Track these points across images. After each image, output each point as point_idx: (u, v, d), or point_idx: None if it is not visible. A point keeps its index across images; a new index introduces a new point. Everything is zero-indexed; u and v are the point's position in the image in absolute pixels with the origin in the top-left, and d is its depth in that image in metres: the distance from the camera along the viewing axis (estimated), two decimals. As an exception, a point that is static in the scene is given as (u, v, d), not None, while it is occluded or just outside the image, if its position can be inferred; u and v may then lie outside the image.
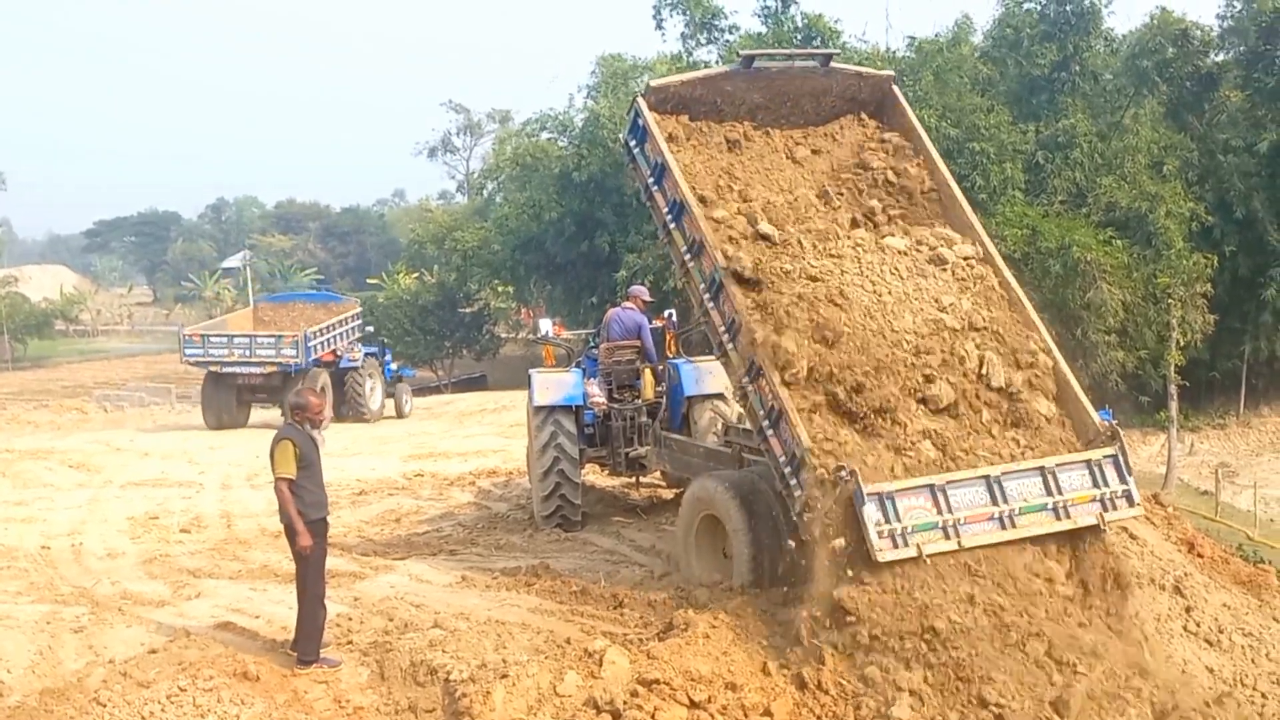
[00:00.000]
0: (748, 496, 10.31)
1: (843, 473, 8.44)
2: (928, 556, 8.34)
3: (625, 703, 7.54)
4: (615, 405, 14.49)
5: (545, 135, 48.32)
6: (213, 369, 28.40)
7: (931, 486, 8.59)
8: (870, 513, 8.30)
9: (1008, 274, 10.50)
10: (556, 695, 7.87)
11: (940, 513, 8.53)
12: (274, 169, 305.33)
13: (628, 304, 15.18)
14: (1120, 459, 9.14)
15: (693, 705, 7.62)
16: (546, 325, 16.12)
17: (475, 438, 25.03)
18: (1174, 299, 31.49)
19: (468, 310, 57.71)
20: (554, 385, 14.15)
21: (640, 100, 10.76)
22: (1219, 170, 35.32)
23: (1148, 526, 11.21)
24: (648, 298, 15.50)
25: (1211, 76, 36.68)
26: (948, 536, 8.50)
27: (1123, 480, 9.11)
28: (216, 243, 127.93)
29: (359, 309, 32.61)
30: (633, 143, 11.06)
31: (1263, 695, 8.73)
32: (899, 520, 8.38)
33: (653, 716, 7.43)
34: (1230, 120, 36.82)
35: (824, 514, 8.52)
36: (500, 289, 55.44)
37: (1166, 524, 11.66)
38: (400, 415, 31.86)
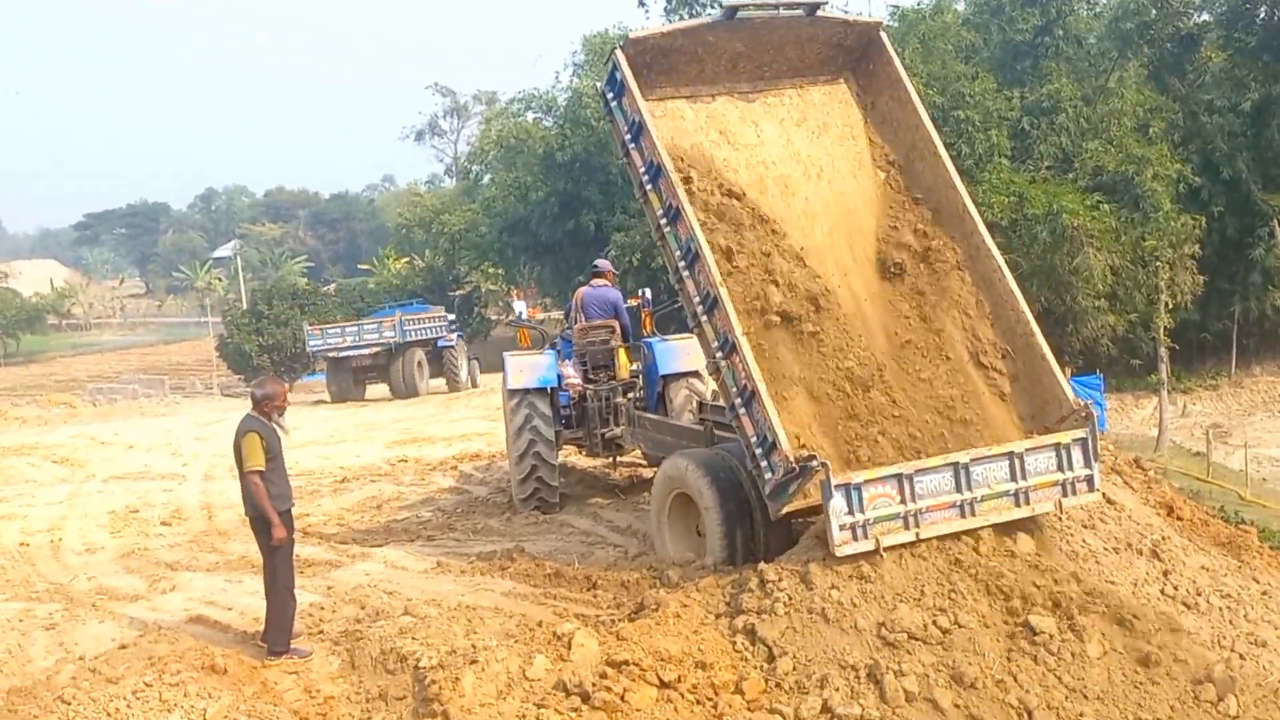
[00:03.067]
0: (718, 474, 10.16)
1: (814, 463, 8.39)
2: (884, 549, 8.31)
3: (594, 685, 7.46)
4: (591, 386, 14.39)
5: (530, 115, 48.21)
6: (331, 355, 35.23)
7: (900, 475, 8.51)
8: (836, 505, 8.27)
9: (995, 262, 10.17)
10: (526, 679, 7.77)
11: (905, 501, 8.47)
12: (263, 157, 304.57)
13: (598, 280, 14.99)
14: (1089, 441, 9.05)
15: (663, 685, 7.54)
16: (521, 307, 16.12)
17: (461, 421, 24.94)
18: (1162, 261, 31.38)
19: (457, 293, 57.63)
20: (528, 368, 14.03)
21: (619, 53, 10.29)
22: (1203, 131, 35.20)
23: (1126, 491, 11.13)
24: (614, 270, 15.36)
25: (1193, 37, 36.53)
26: (907, 527, 8.49)
27: (1087, 465, 9.05)
28: (207, 233, 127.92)
29: (444, 312, 39.69)
30: (610, 95, 10.65)
31: (1240, 656, 8.63)
32: (862, 512, 8.32)
33: (622, 698, 7.35)
34: (1214, 80, 36.65)
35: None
36: (490, 271, 55.36)
37: (1146, 488, 11.58)
38: (474, 385, 37.08)
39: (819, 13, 10.72)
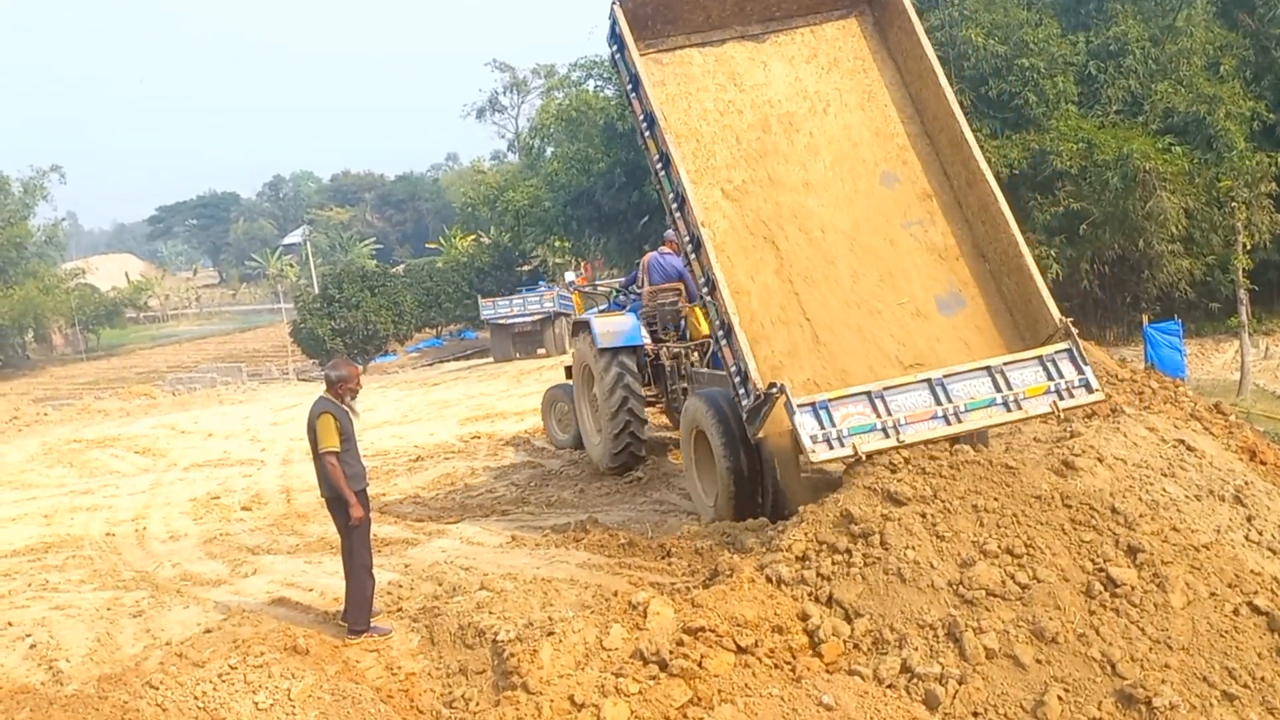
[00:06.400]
0: (720, 407, 11.03)
1: (774, 388, 9.07)
2: (864, 454, 8.92)
3: (671, 652, 7.43)
4: (663, 345, 14.71)
5: (591, 84, 48.15)
6: (499, 323, 42.32)
7: (869, 394, 9.12)
8: (803, 421, 8.97)
9: (990, 187, 10.39)
10: (603, 649, 7.77)
11: (879, 416, 9.07)
12: (328, 142, 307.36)
13: (665, 249, 15.28)
14: (1074, 352, 9.38)
15: (740, 650, 7.50)
16: (571, 275, 17.36)
17: (532, 396, 24.96)
18: (1238, 202, 30.55)
19: (524, 269, 57.79)
20: (614, 327, 14.45)
21: (615, 7, 10.69)
22: (1275, 67, 34.25)
23: (1206, 437, 10.92)
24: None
25: (1261, -30, 35.45)
26: (887, 435, 9.04)
27: (1079, 370, 9.35)
28: (276, 220, 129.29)
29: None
30: (614, 48, 11.09)
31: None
32: (834, 425, 9.00)
33: (700, 664, 7.32)
34: (1285, 13, 35.61)
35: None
36: (557, 244, 55.41)
37: (1227, 433, 11.35)
38: None
39: None
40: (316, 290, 58.52)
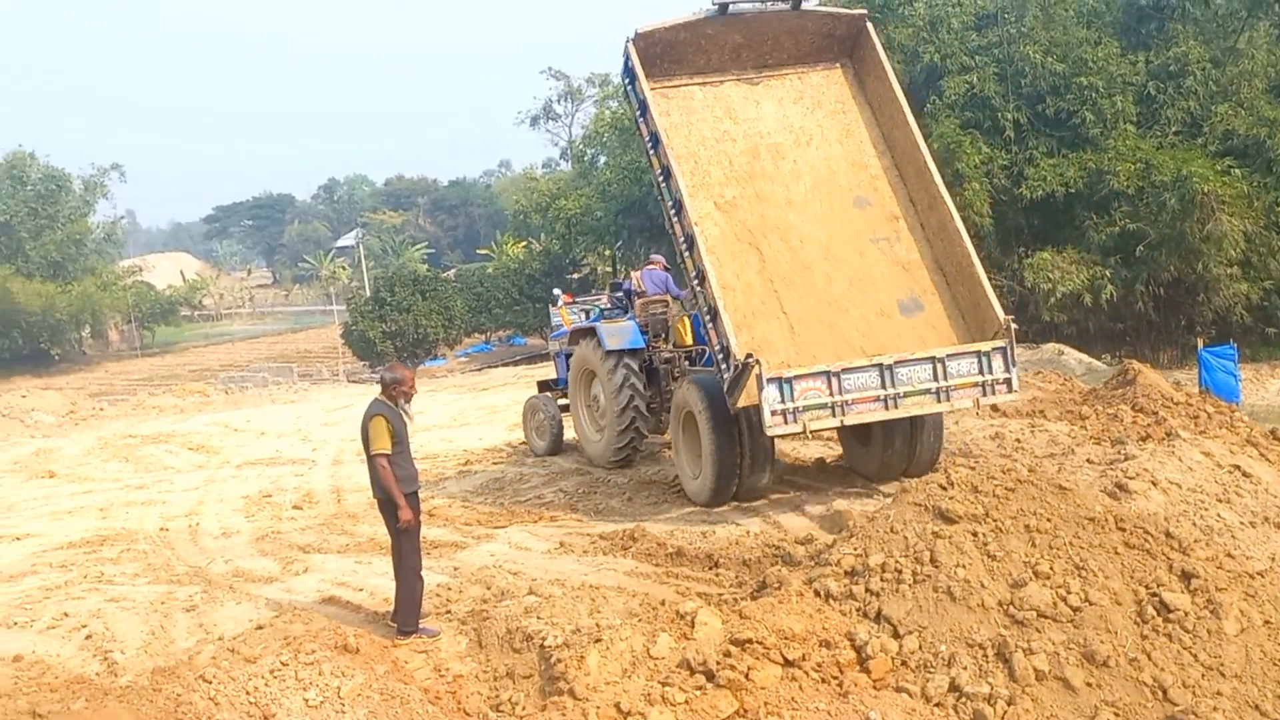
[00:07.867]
0: (708, 389, 12.27)
1: (750, 359, 10.53)
2: (810, 431, 10.83)
3: (718, 663, 7.46)
4: (657, 351, 15.52)
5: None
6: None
7: (828, 373, 10.73)
8: (769, 394, 10.55)
9: (948, 207, 12.15)
10: (650, 658, 7.80)
11: (832, 394, 10.71)
12: (382, 146, 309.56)
13: (650, 265, 16.65)
14: (1008, 350, 11.02)
15: (787, 664, 7.51)
16: (558, 292, 19.69)
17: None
18: (1297, 227, 30.24)
19: (574, 276, 57.92)
20: (619, 332, 15.31)
21: (630, 45, 12.39)
22: (1338, 90, 33.73)
23: (1263, 463, 10.81)
24: (665, 264, 16.96)
25: (1324, -7, 34.96)
26: (834, 414, 10.77)
27: (1006, 370, 11.03)
28: (330, 222, 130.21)
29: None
30: (627, 81, 12.92)
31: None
32: (793, 400, 10.62)
33: (747, 676, 7.34)
34: (1349, 37, 35.12)
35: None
36: (607, 253, 55.50)
37: (1284, 460, 11.22)
38: None
39: (804, 5, 12.81)
40: (368, 293, 58.85)
